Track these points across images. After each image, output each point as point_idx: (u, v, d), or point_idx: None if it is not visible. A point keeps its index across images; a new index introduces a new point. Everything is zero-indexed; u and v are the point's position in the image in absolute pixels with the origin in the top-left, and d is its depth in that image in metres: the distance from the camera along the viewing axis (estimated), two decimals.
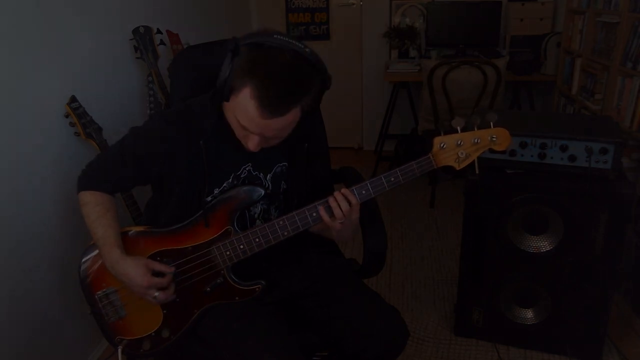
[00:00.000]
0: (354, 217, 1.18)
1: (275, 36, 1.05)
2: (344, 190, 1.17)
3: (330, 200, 1.16)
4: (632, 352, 1.92)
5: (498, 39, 3.60)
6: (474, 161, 1.19)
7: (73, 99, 1.71)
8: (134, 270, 1.16)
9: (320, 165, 1.39)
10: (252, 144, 1.12)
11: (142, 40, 2.09)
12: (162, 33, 2.25)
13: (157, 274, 1.19)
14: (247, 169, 1.25)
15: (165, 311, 1.24)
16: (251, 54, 1.05)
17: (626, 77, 2.30)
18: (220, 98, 1.09)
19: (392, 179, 1.17)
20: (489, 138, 1.17)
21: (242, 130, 1.11)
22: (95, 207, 1.23)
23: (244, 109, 1.06)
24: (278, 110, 1.05)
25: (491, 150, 1.20)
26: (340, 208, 1.15)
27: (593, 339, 1.84)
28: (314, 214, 1.17)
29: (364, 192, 1.17)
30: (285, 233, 1.19)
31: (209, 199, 1.22)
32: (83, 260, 1.26)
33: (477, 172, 1.20)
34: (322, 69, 1.10)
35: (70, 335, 1.81)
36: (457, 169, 1.19)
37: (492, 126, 1.16)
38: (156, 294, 1.18)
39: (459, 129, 1.16)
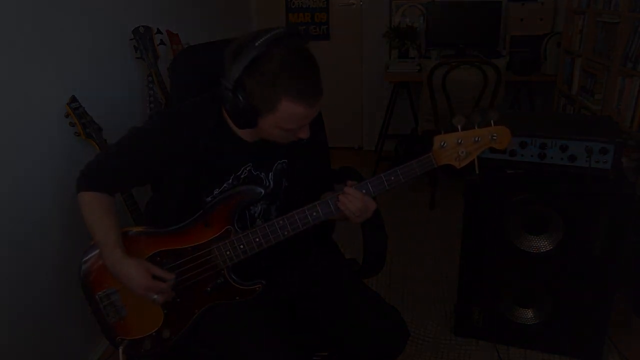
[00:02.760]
0: (371, 208, 1.19)
1: (256, 44, 1.04)
2: (347, 189, 1.17)
3: (340, 202, 1.17)
4: (632, 352, 1.92)
5: (498, 39, 3.60)
6: (474, 161, 1.19)
7: (73, 99, 1.71)
8: (134, 272, 1.16)
9: (320, 164, 1.39)
10: (305, 133, 1.16)
11: (142, 40, 2.09)
12: (162, 33, 2.25)
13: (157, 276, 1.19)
14: (247, 169, 1.25)
15: (165, 311, 1.24)
16: (261, 73, 1.05)
17: (626, 77, 2.30)
18: (246, 126, 1.13)
19: (393, 178, 1.17)
20: (490, 136, 1.16)
21: (290, 132, 1.14)
22: (95, 207, 1.23)
23: (291, 116, 1.09)
24: (319, 91, 1.09)
25: (491, 150, 1.19)
26: (352, 205, 1.16)
27: (593, 339, 1.84)
28: (314, 214, 1.18)
29: (364, 191, 1.17)
30: (286, 233, 1.19)
31: (208, 199, 1.22)
32: (83, 260, 1.26)
33: (477, 172, 1.20)
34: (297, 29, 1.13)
35: (70, 335, 1.81)
36: (458, 167, 1.18)
37: (492, 124, 1.16)
38: (155, 296, 1.18)
39: (459, 127, 1.16)
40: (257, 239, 1.19)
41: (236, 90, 1.07)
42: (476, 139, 1.16)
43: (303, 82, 1.06)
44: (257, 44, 1.04)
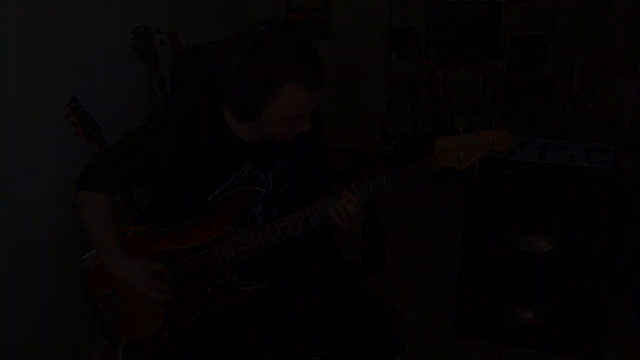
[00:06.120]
0: (362, 219, 1.19)
1: (260, 29, 1.05)
2: (345, 193, 1.17)
3: (338, 207, 1.16)
4: (632, 352, 1.92)
5: (498, 39, 3.61)
6: (474, 162, 1.20)
7: (73, 99, 1.71)
8: (132, 272, 1.16)
9: (320, 164, 1.39)
10: (306, 124, 1.15)
11: (142, 40, 2.09)
12: (162, 33, 2.24)
13: (156, 273, 1.19)
14: (247, 169, 1.25)
15: (165, 311, 1.24)
16: (262, 58, 1.05)
17: (626, 77, 2.30)
18: (247, 117, 1.11)
19: (394, 180, 1.17)
20: (491, 139, 1.16)
21: (292, 123, 1.13)
22: (93, 207, 1.22)
23: (294, 100, 1.08)
24: (321, 74, 1.09)
25: (491, 151, 1.20)
26: (347, 211, 1.16)
27: (593, 339, 1.84)
28: (315, 215, 1.17)
29: (365, 192, 1.17)
30: (286, 233, 1.19)
31: (209, 199, 1.22)
32: (82, 260, 1.26)
33: (477, 172, 1.20)
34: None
35: (70, 335, 1.81)
36: (459, 170, 1.19)
37: (493, 127, 1.17)
38: (156, 294, 1.18)
39: (460, 130, 1.16)
40: (258, 240, 1.19)
41: (238, 78, 1.06)
42: (477, 141, 1.16)
43: (305, 65, 1.06)
44: (257, 31, 1.05)
